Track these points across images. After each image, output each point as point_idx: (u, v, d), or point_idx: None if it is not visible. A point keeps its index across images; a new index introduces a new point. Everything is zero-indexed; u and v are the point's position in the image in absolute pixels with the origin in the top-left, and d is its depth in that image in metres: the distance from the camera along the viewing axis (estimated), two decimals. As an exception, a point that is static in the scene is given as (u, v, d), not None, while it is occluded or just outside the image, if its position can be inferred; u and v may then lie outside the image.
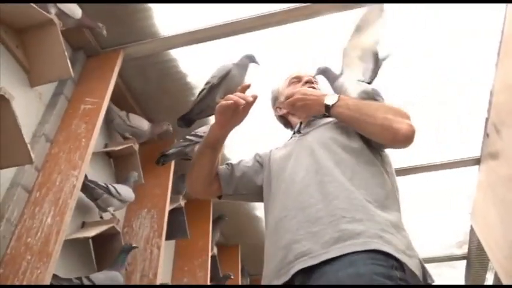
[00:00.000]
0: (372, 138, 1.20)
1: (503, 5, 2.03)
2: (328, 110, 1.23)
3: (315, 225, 1.03)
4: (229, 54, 2.18)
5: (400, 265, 0.95)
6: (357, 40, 1.38)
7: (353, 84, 1.35)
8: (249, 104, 1.20)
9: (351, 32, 1.38)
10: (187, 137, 1.68)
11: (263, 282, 1.11)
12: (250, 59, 1.49)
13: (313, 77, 1.50)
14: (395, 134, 1.14)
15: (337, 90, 1.39)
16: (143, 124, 2.40)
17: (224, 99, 1.21)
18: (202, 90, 1.46)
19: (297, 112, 1.39)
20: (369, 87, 1.33)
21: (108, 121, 2.31)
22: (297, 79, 1.51)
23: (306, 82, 1.48)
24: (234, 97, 1.19)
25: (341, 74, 1.42)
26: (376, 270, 0.92)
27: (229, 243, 3.67)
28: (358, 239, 0.97)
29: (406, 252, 0.99)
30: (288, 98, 1.34)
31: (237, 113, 1.22)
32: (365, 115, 1.18)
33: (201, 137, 1.63)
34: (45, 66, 1.78)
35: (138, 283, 2.08)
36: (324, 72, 1.49)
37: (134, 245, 1.95)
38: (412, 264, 0.98)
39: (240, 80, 1.44)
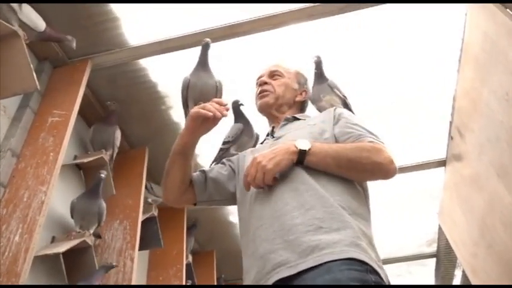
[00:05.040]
0: (363, 180, 1.21)
1: (463, 14, 2.11)
2: (302, 156, 1.12)
3: (290, 232, 1.03)
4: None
5: (374, 270, 0.98)
6: None
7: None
8: (221, 117, 1.22)
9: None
10: (221, 146, 1.73)
11: None
12: (205, 47, 1.51)
13: (268, 74, 1.49)
14: (386, 174, 1.14)
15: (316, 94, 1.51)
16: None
17: (201, 107, 1.22)
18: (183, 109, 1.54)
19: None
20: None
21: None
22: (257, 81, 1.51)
23: (260, 85, 1.47)
24: (212, 108, 1.20)
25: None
26: (351, 275, 0.94)
27: (204, 250, 3.66)
28: (335, 248, 0.98)
29: (377, 262, 1.02)
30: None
31: (207, 122, 1.23)
32: (351, 161, 1.13)
33: (228, 142, 1.69)
34: (10, 78, 1.72)
35: (111, 296, 2.05)
36: (319, 64, 1.57)
37: (114, 263, 1.94)
38: (383, 275, 1.01)
39: (202, 85, 1.46)
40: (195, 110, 1.22)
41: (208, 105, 1.21)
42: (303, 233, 1.02)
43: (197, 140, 1.29)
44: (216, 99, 1.25)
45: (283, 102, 1.45)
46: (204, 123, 1.23)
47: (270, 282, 1.00)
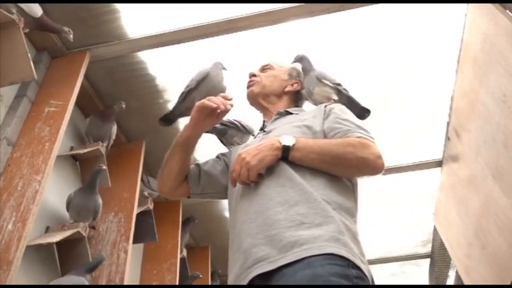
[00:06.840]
0: (350, 176, 1.19)
1: (463, 14, 2.11)
2: (286, 152, 1.12)
3: (272, 228, 1.03)
4: (197, 57, 2.21)
5: (356, 265, 0.97)
6: None
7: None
8: (226, 111, 1.25)
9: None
10: (225, 120, 1.69)
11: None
12: (221, 64, 1.64)
13: (260, 68, 1.50)
14: (373, 169, 1.13)
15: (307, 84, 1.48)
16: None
17: (207, 99, 1.24)
18: (183, 93, 1.61)
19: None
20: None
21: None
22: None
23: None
24: (218, 100, 1.23)
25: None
26: (332, 270, 0.93)
27: (199, 245, 3.67)
28: (314, 243, 0.97)
29: (360, 257, 1.01)
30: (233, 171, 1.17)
31: (211, 116, 1.25)
32: (335, 157, 1.12)
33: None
34: (7, 67, 1.72)
35: (104, 288, 2.05)
36: (301, 60, 1.55)
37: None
38: (366, 270, 1.00)
39: (217, 82, 1.58)
40: (201, 101, 1.25)
41: (214, 98, 1.25)
42: (284, 229, 1.02)
43: (200, 134, 1.31)
44: (222, 94, 1.30)
45: (270, 92, 1.45)
46: (208, 117, 1.26)
47: (250, 276, 1.00)
